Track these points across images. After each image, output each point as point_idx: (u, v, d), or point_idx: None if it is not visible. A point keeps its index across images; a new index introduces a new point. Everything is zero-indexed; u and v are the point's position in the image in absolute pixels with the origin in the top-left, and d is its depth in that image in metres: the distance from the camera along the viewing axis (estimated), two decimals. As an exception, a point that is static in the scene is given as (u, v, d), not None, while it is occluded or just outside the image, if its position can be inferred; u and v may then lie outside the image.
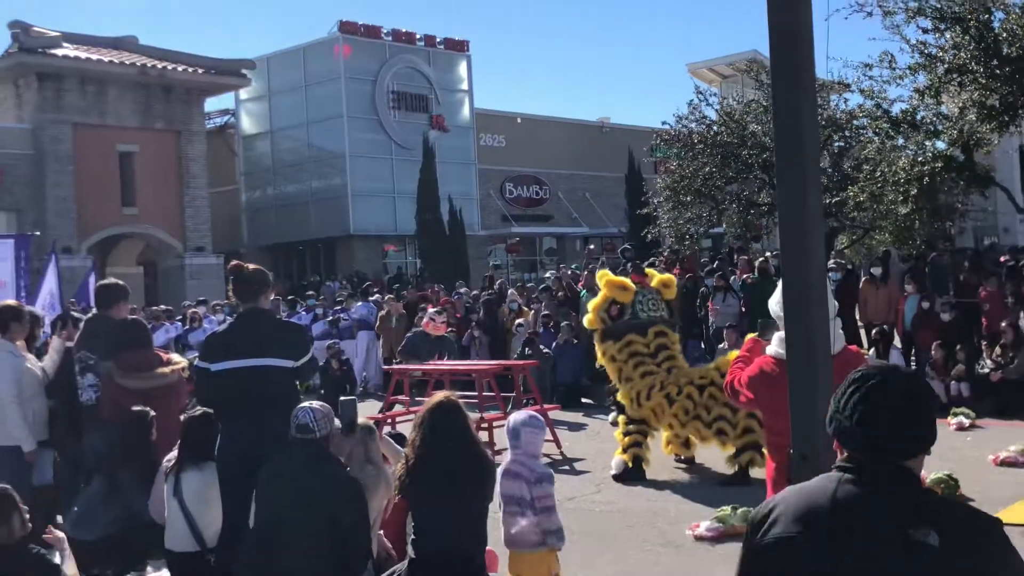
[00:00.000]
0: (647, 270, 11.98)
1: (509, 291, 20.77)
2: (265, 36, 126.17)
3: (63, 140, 30.70)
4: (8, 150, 30.12)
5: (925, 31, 17.11)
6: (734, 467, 10.07)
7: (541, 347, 16.27)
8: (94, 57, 31.51)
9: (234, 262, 6.43)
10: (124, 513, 6.49)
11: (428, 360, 13.76)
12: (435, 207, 33.66)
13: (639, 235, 27.55)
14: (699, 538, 8.00)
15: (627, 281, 10.86)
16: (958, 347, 14.22)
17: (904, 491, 2.39)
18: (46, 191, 30.29)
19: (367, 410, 11.06)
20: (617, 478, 10.42)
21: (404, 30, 39.62)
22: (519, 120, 43.40)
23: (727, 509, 8.21)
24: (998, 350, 13.98)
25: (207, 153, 34.45)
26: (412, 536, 4.94)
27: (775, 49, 4.03)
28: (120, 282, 7.93)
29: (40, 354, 8.23)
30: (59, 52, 30.81)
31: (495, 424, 11.38)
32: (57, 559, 6.12)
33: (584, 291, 17.67)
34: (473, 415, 5.82)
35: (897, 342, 15.64)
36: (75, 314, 9.32)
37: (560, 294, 19.02)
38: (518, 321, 18.16)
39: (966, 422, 12.53)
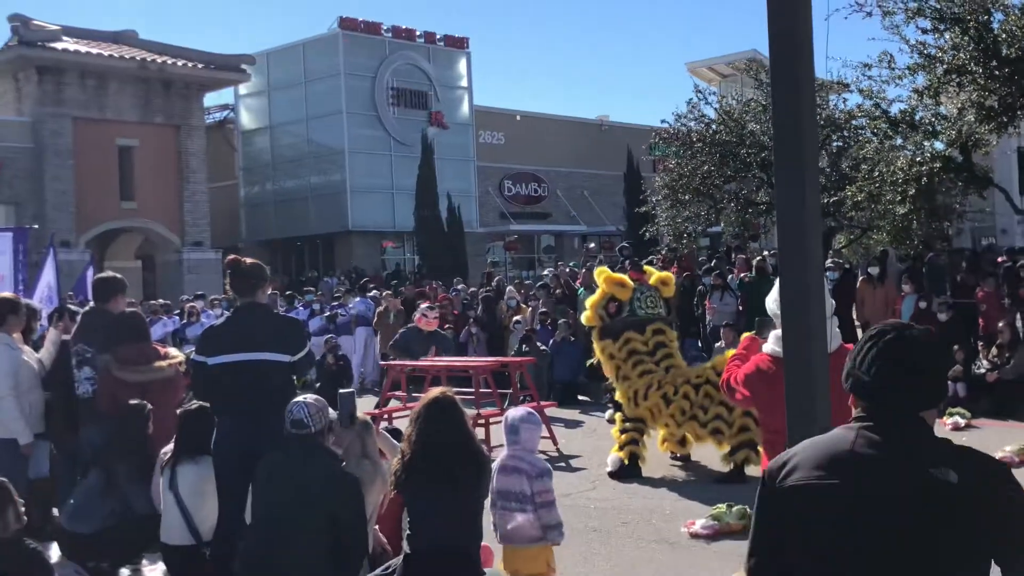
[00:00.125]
0: (645, 267, 11.96)
1: (507, 288, 20.78)
2: (265, 32, 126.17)
3: (62, 134, 30.68)
4: (7, 143, 30.10)
5: (924, 31, 17.11)
6: (729, 465, 10.09)
7: (538, 344, 16.29)
8: (94, 51, 31.49)
9: (231, 256, 6.43)
10: (120, 506, 6.51)
11: (421, 355, 13.77)
12: (434, 204, 33.65)
13: (637, 233, 27.56)
14: (694, 536, 8.02)
15: (625, 278, 10.86)
16: (955, 347, 14.23)
17: (920, 438, 2.53)
18: (45, 184, 30.27)
19: (364, 406, 11.05)
20: (613, 475, 10.42)
21: (404, 27, 39.63)
22: (518, 118, 43.39)
23: (723, 507, 8.22)
24: (994, 350, 14.00)
25: (206, 148, 34.44)
26: (407, 531, 4.95)
27: (775, 56, 4.05)
28: (118, 275, 7.93)
29: (37, 347, 8.24)
30: (59, 46, 30.81)
31: (492, 420, 11.39)
32: (52, 556, 6.14)
33: (582, 289, 17.68)
34: (470, 411, 5.83)
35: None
36: (72, 307, 9.31)
37: (558, 292, 19.03)
38: (516, 318, 18.17)
39: (962, 422, 12.54)
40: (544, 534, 5.68)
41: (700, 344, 16.94)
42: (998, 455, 10.33)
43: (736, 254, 20.08)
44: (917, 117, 18.47)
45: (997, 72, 16.17)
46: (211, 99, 38.05)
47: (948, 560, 2.40)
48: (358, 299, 20.98)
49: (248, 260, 6.34)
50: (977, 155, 19.50)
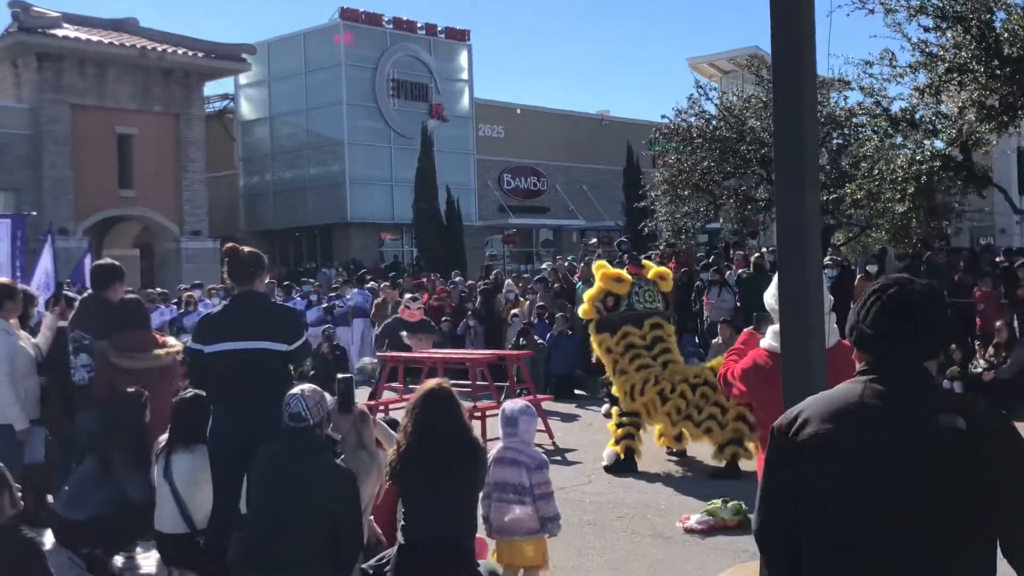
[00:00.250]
0: (644, 261, 11.95)
1: (505, 281, 20.78)
2: (266, 21, 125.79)
3: (61, 121, 30.63)
4: (6, 130, 30.04)
5: (926, 29, 17.07)
6: (723, 461, 10.12)
7: (536, 338, 16.30)
8: (94, 38, 31.42)
9: (229, 244, 6.40)
10: (115, 493, 6.49)
11: (407, 346, 13.81)
12: (433, 196, 33.61)
13: (636, 228, 27.52)
14: (689, 530, 8.03)
15: (623, 273, 10.85)
16: (953, 346, 14.24)
17: (926, 386, 2.63)
18: (43, 172, 30.21)
19: (360, 397, 11.04)
20: (609, 469, 10.43)
21: (405, 18, 39.60)
22: (518, 111, 43.35)
23: (717, 502, 8.23)
24: (991, 350, 14.01)
25: (206, 137, 34.40)
26: (402, 522, 4.95)
27: (777, 53, 4.05)
28: (116, 263, 7.91)
29: (34, 333, 8.23)
30: (59, 33, 30.73)
31: (488, 413, 11.39)
32: (46, 543, 6.13)
33: (580, 283, 17.67)
34: (466, 404, 5.82)
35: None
36: (69, 294, 9.30)
37: (556, 285, 19.02)
38: (514, 311, 18.17)
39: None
40: (542, 526, 5.68)
41: (697, 340, 16.93)
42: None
43: (734, 250, 20.05)
44: (918, 115, 18.43)
45: (998, 71, 16.14)
46: (211, 88, 38.06)
47: (963, 504, 2.46)
48: (356, 290, 20.99)
49: (246, 248, 6.31)
50: (977, 154, 19.47)
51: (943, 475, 2.46)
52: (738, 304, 16.31)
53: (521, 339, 16.25)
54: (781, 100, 4.09)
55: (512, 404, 6.02)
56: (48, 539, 6.66)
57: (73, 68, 30.97)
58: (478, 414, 11.25)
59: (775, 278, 4.69)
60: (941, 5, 16.69)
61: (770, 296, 5.29)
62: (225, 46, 34.67)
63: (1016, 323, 14.14)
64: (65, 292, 9.36)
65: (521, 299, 19.13)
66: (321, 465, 5.09)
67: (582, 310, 11.12)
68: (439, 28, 40.54)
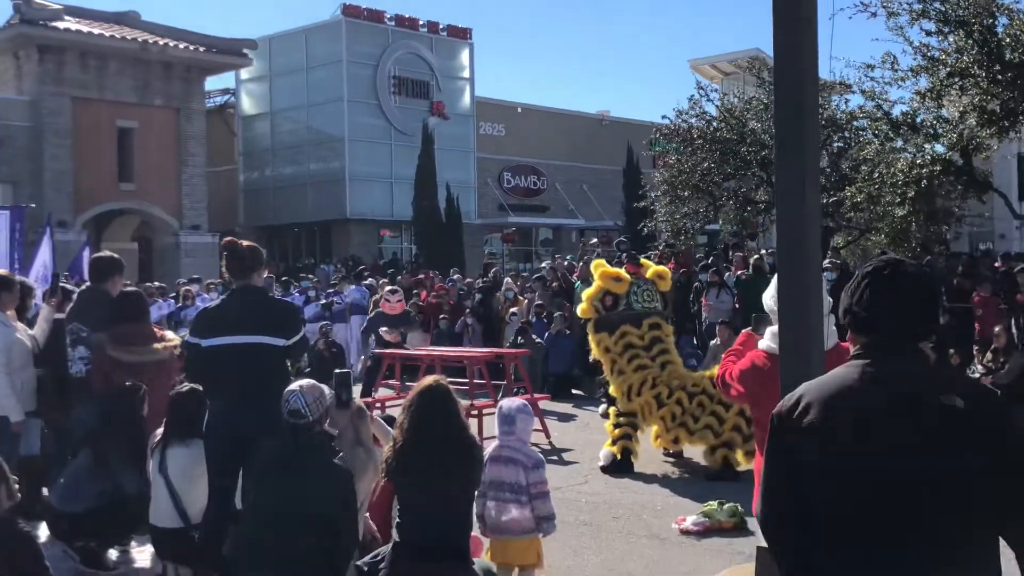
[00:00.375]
0: (643, 261, 11.94)
1: (504, 280, 20.77)
2: (268, 17, 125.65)
3: (62, 113, 30.58)
4: (6, 121, 29.99)
5: (928, 33, 17.08)
6: (719, 462, 10.12)
7: (534, 337, 16.29)
8: (95, 31, 31.37)
9: (228, 238, 6.39)
10: (110, 487, 6.48)
11: (389, 340, 13.83)
12: (432, 194, 33.60)
13: (635, 229, 27.53)
14: (685, 532, 8.02)
15: (622, 272, 10.84)
16: (951, 351, 14.23)
17: (923, 366, 2.66)
18: (43, 164, 30.16)
19: (357, 395, 11.03)
20: (605, 470, 10.42)
21: (407, 15, 39.59)
22: (519, 110, 43.35)
23: (714, 504, 8.22)
24: (990, 355, 13.99)
25: (206, 132, 34.35)
26: (397, 520, 4.93)
27: (778, 57, 4.04)
28: (115, 256, 7.91)
29: (31, 325, 8.22)
30: (60, 25, 30.66)
31: (485, 411, 11.38)
32: (41, 536, 6.11)
33: (579, 282, 17.65)
34: (463, 402, 5.81)
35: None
36: (66, 286, 9.29)
37: (554, 284, 19.01)
38: (512, 310, 18.16)
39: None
40: (538, 525, 5.67)
41: (695, 341, 16.91)
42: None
43: (734, 252, 20.06)
44: (918, 119, 18.43)
45: (1000, 76, 16.15)
46: (212, 83, 37.95)
47: (965, 482, 2.47)
48: (354, 287, 20.96)
49: (245, 243, 6.30)
50: (978, 159, 19.47)
51: (947, 457, 2.47)
52: (737, 305, 16.30)
53: (519, 338, 16.24)
54: (782, 102, 4.09)
55: (510, 402, 6.01)
56: (43, 532, 6.66)
57: (74, 61, 30.92)
58: (475, 412, 11.23)
59: (774, 280, 4.68)
60: (943, 9, 16.70)
61: (769, 298, 5.28)
62: (226, 41, 34.63)
63: (1015, 328, 14.12)
64: (62, 284, 9.34)
65: (519, 298, 19.11)
66: (319, 463, 5.07)
67: (580, 309, 11.11)
68: (441, 26, 40.53)
